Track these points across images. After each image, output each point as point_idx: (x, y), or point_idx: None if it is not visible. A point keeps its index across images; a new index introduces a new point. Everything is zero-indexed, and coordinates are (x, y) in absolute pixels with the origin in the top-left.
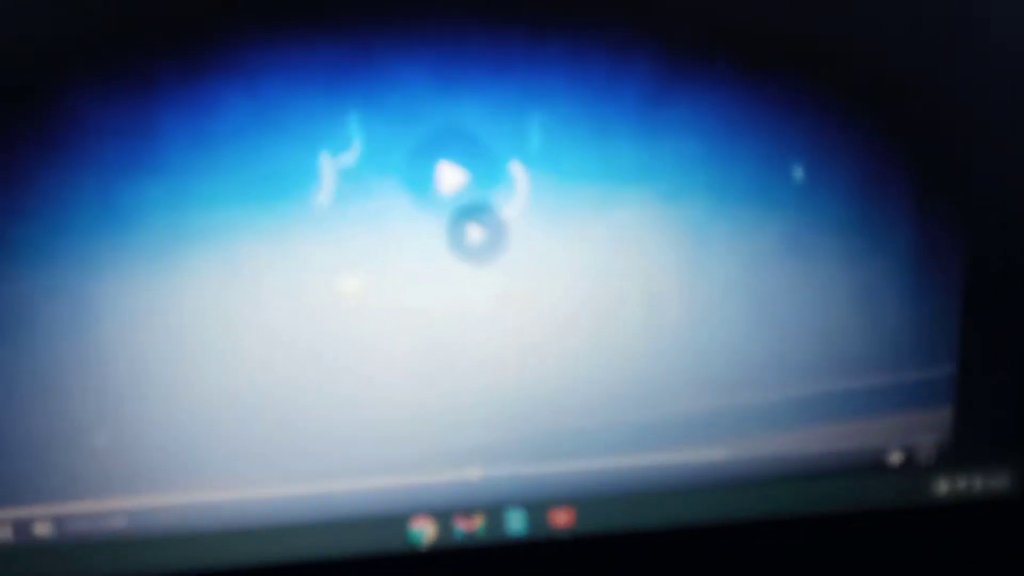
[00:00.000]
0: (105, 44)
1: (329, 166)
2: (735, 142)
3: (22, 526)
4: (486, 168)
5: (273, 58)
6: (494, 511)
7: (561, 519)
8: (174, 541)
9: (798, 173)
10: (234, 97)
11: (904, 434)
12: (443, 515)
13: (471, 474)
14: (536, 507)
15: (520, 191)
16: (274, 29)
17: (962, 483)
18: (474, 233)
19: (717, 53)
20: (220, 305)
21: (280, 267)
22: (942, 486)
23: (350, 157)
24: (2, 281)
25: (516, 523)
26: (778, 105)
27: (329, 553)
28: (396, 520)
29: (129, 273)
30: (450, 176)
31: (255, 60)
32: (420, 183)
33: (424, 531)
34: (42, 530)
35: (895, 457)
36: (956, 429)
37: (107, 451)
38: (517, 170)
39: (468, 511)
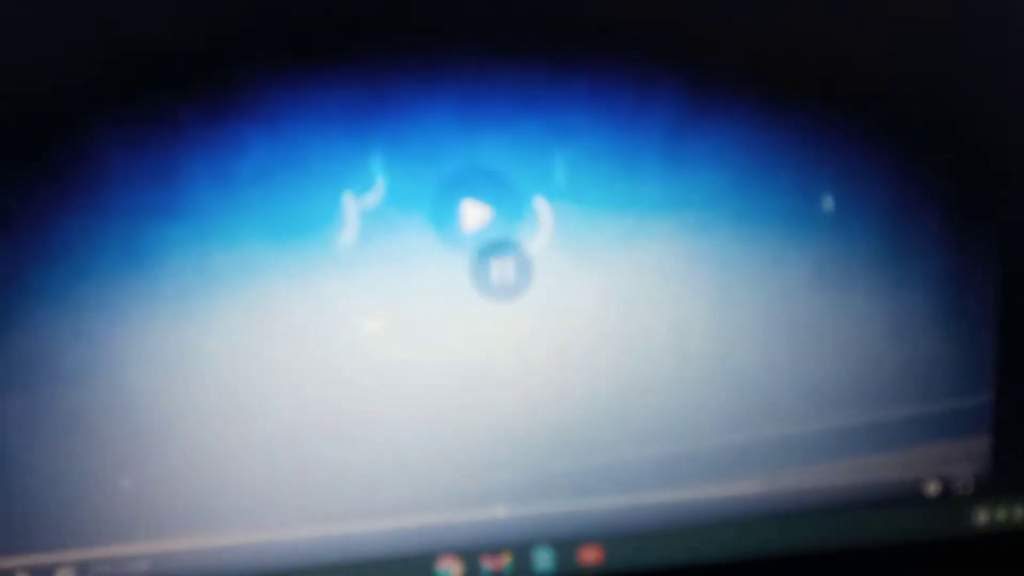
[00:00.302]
0: (128, 87)
1: (353, 206)
2: (762, 173)
3: (44, 572)
4: (511, 205)
5: (296, 99)
6: (521, 550)
7: (589, 557)
8: None
9: (827, 203)
10: (257, 138)
11: (941, 464)
12: (470, 554)
13: (497, 512)
14: (564, 545)
15: (545, 227)
16: (297, 70)
17: (1001, 513)
18: (499, 270)
19: (742, 84)
20: (243, 348)
21: (304, 308)
22: (981, 516)
23: (374, 197)
24: (27, 327)
25: (544, 562)
26: (806, 134)
27: None
28: (422, 560)
29: (152, 317)
30: (474, 214)
31: (278, 101)
32: (444, 222)
33: (451, 571)
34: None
35: (932, 488)
36: (994, 458)
37: (130, 495)
38: (542, 206)
39: (495, 550)
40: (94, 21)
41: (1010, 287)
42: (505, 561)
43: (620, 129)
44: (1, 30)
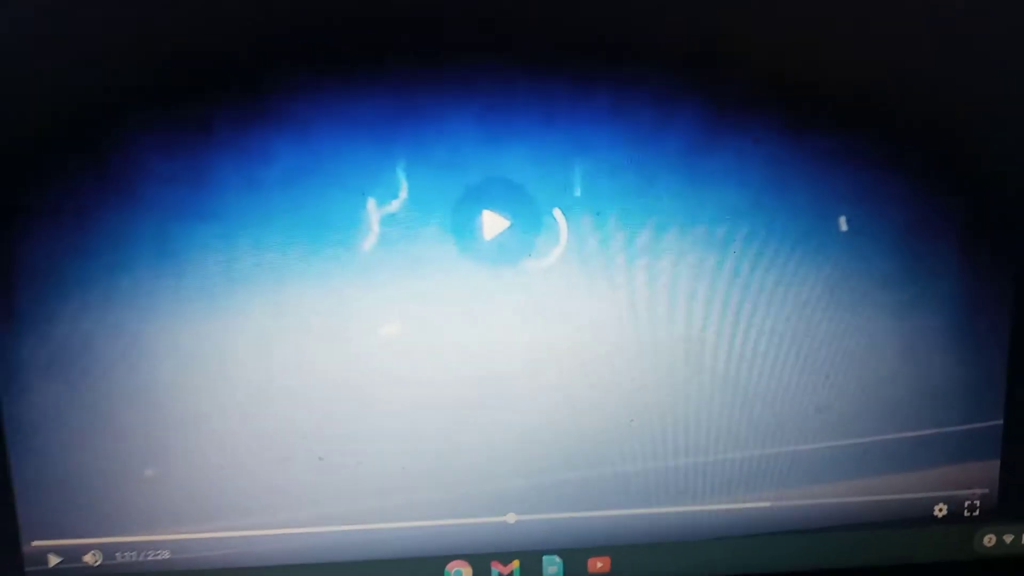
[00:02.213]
0: (164, 92)
1: (376, 213)
2: (778, 191)
3: (72, 554)
4: (530, 216)
5: (325, 108)
6: (530, 556)
7: (597, 566)
8: (215, 574)
9: (842, 222)
10: (286, 145)
11: (950, 487)
12: (480, 559)
13: (508, 519)
14: (572, 554)
15: (563, 239)
16: (327, 80)
17: (1008, 537)
18: (516, 281)
19: (761, 103)
20: (266, 347)
21: (325, 311)
22: (988, 539)
23: (396, 205)
24: (61, 319)
25: (552, 569)
26: (822, 154)
27: None
28: (434, 562)
29: (180, 314)
30: (494, 224)
31: (306, 110)
32: (465, 231)
33: (461, 575)
34: (90, 559)
35: (940, 510)
36: (1002, 483)
37: (155, 485)
38: (560, 218)
39: (505, 556)
40: (133, 28)
41: (1022, 314)
42: (514, 567)
43: (641, 145)
44: (46, 36)
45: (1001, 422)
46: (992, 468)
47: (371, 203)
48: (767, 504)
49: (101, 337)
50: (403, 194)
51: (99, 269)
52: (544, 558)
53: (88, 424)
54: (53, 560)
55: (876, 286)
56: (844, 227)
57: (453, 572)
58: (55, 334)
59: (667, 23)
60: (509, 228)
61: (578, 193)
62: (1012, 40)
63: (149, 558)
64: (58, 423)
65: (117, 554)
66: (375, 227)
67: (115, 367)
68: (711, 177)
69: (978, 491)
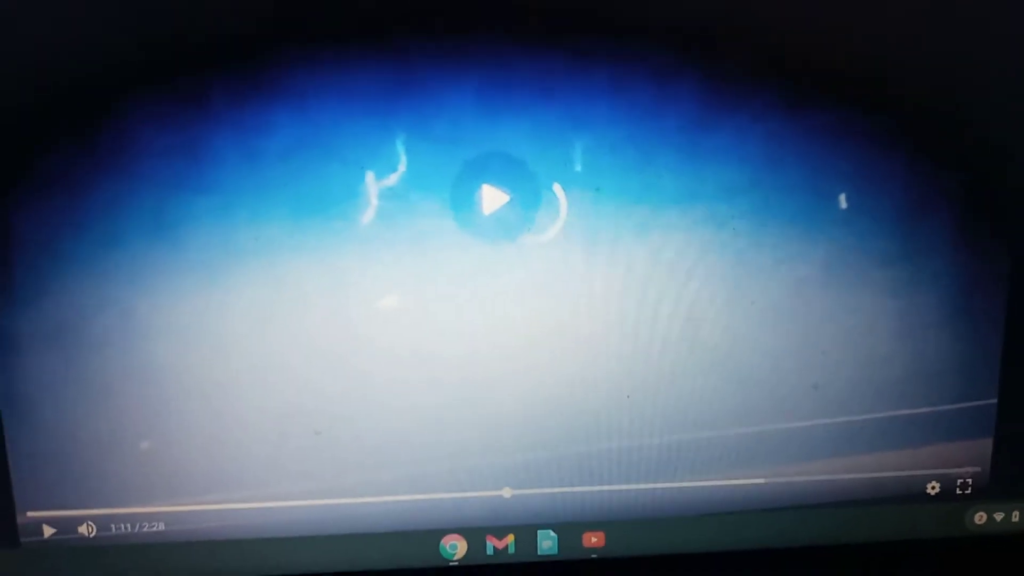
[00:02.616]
0: (159, 66)
1: (374, 187)
2: (777, 169)
3: (66, 525)
4: (529, 191)
5: (322, 81)
6: (525, 531)
7: (592, 541)
8: (210, 547)
9: (841, 201)
10: (283, 118)
11: (942, 465)
12: (475, 533)
13: (504, 494)
14: (567, 528)
15: (562, 214)
16: (325, 52)
17: (999, 515)
18: (515, 256)
19: (761, 80)
20: (263, 320)
21: (323, 285)
22: (979, 517)
23: (395, 178)
24: (58, 292)
25: (547, 544)
26: (821, 132)
27: (362, 565)
28: (429, 536)
29: (177, 288)
30: (493, 198)
31: (304, 82)
32: (463, 205)
33: (456, 548)
34: (85, 530)
35: (933, 487)
36: (995, 461)
37: (150, 458)
38: (559, 193)
39: (499, 530)
40: (132, 2)
41: (1018, 293)
42: (509, 541)
43: (640, 121)
44: (43, 9)
45: (995, 401)
46: (985, 446)
47: (370, 177)
48: (762, 480)
49: (97, 310)
50: (402, 168)
51: (95, 242)
52: (539, 532)
53: (83, 396)
54: (48, 531)
55: (874, 264)
56: (843, 204)
57: (448, 546)
58: (51, 307)
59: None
60: (508, 203)
61: (578, 168)
62: (1012, 19)
63: (144, 530)
64: (53, 395)
65: (112, 525)
66: (374, 201)
67: (111, 340)
68: (710, 154)
69: (970, 469)
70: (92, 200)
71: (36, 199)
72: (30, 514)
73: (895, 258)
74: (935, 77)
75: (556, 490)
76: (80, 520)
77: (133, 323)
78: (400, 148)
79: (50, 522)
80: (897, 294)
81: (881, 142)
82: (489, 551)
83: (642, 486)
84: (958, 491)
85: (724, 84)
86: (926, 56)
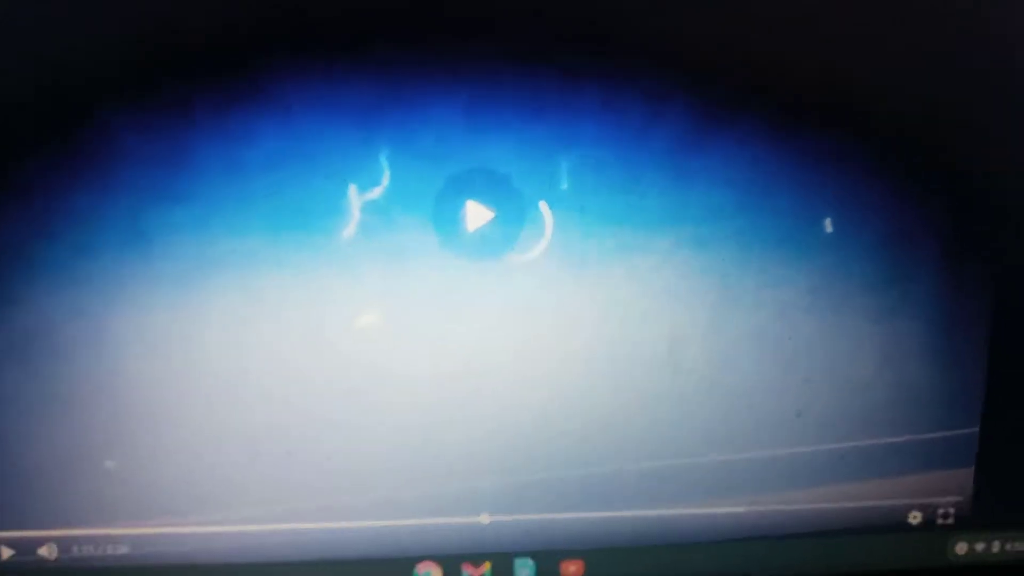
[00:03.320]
0: (141, 72)
1: (356, 201)
2: (763, 193)
3: (26, 547)
4: (513, 209)
5: (306, 92)
6: (502, 559)
7: (570, 570)
8: (176, 571)
9: (826, 226)
10: (266, 129)
11: (924, 494)
12: (450, 560)
13: (480, 520)
14: (545, 556)
15: (547, 233)
16: (309, 63)
17: (980, 545)
18: (498, 274)
19: (749, 104)
20: (237, 337)
21: (300, 300)
22: (961, 547)
23: (378, 192)
24: (26, 301)
25: (524, 572)
26: (807, 157)
27: None
28: (402, 563)
29: (150, 300)
30: (477, 216)
31: (288, 93)
32: (447, 222)
33: (430, 575)
34: (46, 552)
35: (914, 517)
36: (977, 491)
37: (115, 477)
38: (546, 212)
39: (476, 558)
40: (114, 7)
41: (1002, 323)
42: (485, 569)
43: (625, 141)
44: (25, 13)
45: (977, 430)
46: (967, 476)
47: (352, 190)
48: (742, 509)
49: (64, 322)
50: (385, 181)
51: (65, 250)
52: (516, 560)
53: (47, 411)
54: (6, 552)
55: (858, 290)
56: (829, 229)
57: (423, 573)
58: (16, 317)
59: (659, 20)
60: (493, 220)
61: (564, 187)
62: (1000, 48)
63: (107, 552)
64: (15, 409)
65: (74, 547)
66: (355, 214)
67: (78, 353)
68: (697, 176)
69: (952, 499)
70: (66, 206)
71: (10, 205)
72: None
73: (880, 284)
74: (922, 104)
75: (535, 516)
76: (41, 541)
77: (101, 335)
78: (384, 162)
79: (9, 543)
80: (881, 320)
81: (867, 168)
82: None
83: (622, 513)
84: (940, 521)
85: (712, 107)
86: (913, 83)
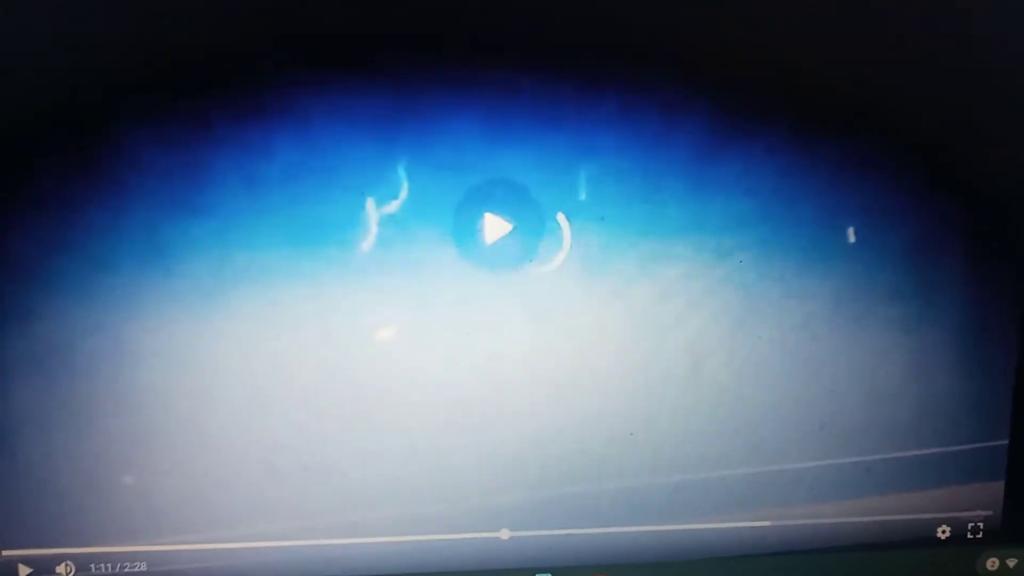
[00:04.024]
0: (159, 86)
1: (374, 213)
2: (785, 203)
3: (43, 565)
4: (532, 220)
5: (324, 105)
6: (523, 575)
7: None
8: None
9: (850, 235)
10: (283, 142)
11: (953, 508)
12: None
13: (499, 536)
14: (567, 572)
15: (565, 244)
16: (326, 76)
17: (1012, 561)
18: (517, 287)
19: (770, 112)
20: (255, 351)
21: (317, 314)
22: (992, 563)
23: (396, 205)
24: (40, 315)
25: None
26: (831, 166)
27: None
28: None
29: (168, 315)
30: (496, 227)
31: (306, 106)
32: (466, 233)
33: None
34: (63, 570)
35: (943, 531)
36: (1007, 504)
37: (133, 494)
38: (564, 223)
39: (496, 574)
40: (132, 21)
41: None
42: None
43: (644, 151)
44: (44, 27)
45: (1006, 442)
46: (996, 489)
47: (370, 203)
48: (768, 523)
49: (84, 337)
50: (403, 194)
51: (85, 265)
52: None
53: (66, 428)
54: (24, 571)
55: (883, 300)
56: (852, 239)
57: None
58: (35, 332)
59: (677, 28)
60: (511, 232)
61: (583, 197)
62: None
63: (125, 570)
64: (34, 426)
65: (92, 565)
66: (373, 228)
67: (97, 368)
68: (718, 185)
69: (982, 513)
70: (85, 221)
71: (25, 219)
72: (5, 553)
73: (905, 294)
74: (948, 112)
75: (556, 532)
76: (59, 559)
77: (120, 351)
78: (402, 174)
79: (27, 561)
80: (907, 331)
81: (892, 176)
82: None
83: (645, 528)
84: (969, 535)
85: (733, 115)
86: (938, 90)
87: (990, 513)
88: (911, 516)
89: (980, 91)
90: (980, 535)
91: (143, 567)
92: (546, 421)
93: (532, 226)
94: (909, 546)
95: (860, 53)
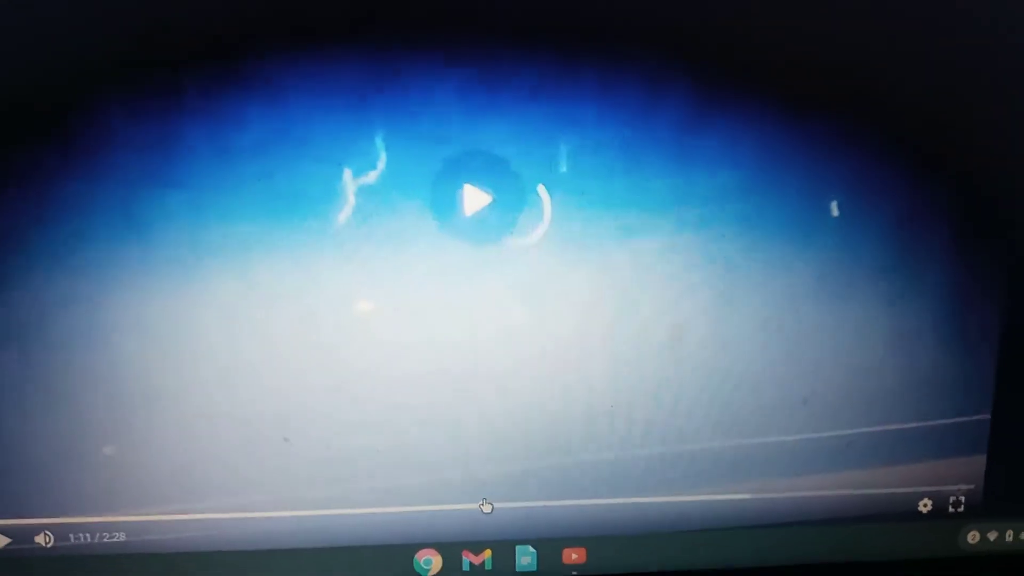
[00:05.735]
0: (131, 57)
1: (352, 185)
2: (768, 176)
3: (22, 535)
4: (512, 193)
5: (300, 75)
6: (503, 546)
7: (572, 557)
8: (173, 559)
9: (833, 209)
10: (259, 113)
11: (935, 482)
12: (450, 547)
13: (482, 508)
14: (547, 544)
15: (546, 217)
16: (302, 45)
17: (992, 534)
18: (496, 259)
19: (753, 84)
20: (233, 323)
21: (295, 286)
22: (972, 536)
23: (373, 177)
24: (20, 288)
25: (525, 560)
26: (814, 140)
27: None
28: (403, 550)
29: (145, 287)
30: (475, 199)
31: (281, 77)
32: (444, 206)
33: (431, 563)
34: (42, 540)
35: (925, 505)
36: (988, 478)
37: (112, 465)
38: (544, 195)
39: (476, 545)
40: None
41: (1013, 309)
42: (486, 557)
43: (626, 123)
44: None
45: (988, 416)
46: (978, 463)
47: (347, 174)
48: (747, 496)
49: (60, 309)
50: (381, 165)
51: (60, 237)
52: (517, 548)
53: (43, 399)
54: (2, 541)
55: (867, 275)
56: (836, 213)
57: (423, 561)
58: (11, 304)
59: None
60: (491, 204)
61: (564, 170)
62: (1012, 29)
63: (104, 540)
64: (11, 397)
65: (70, 535)
66: (351, 199)
67: (74, 340)
68: (700, 159)
69: (963, 487)
70: (58, 194)
71: (1, 192)
72: None
73: (888, 269)
74: (932, 85)
75: (536, 504)
76: (37, 529)
77: (97, 322)
78: (380, 145)
79: (5, 531)
80: (890, 305)
81: (875, 150)
82: (465, 567)
83: (624, 500)
84: (951, 509)
85: (716, 88)
86: (923, 64)
87: (972, 487)
88: (893, 490)
89: (965, 66)
90: (962, 509)
91: (122, 537)
92: (527, 394)
93: (512, 198)
94: (891, 520)
95: (844, 26)
